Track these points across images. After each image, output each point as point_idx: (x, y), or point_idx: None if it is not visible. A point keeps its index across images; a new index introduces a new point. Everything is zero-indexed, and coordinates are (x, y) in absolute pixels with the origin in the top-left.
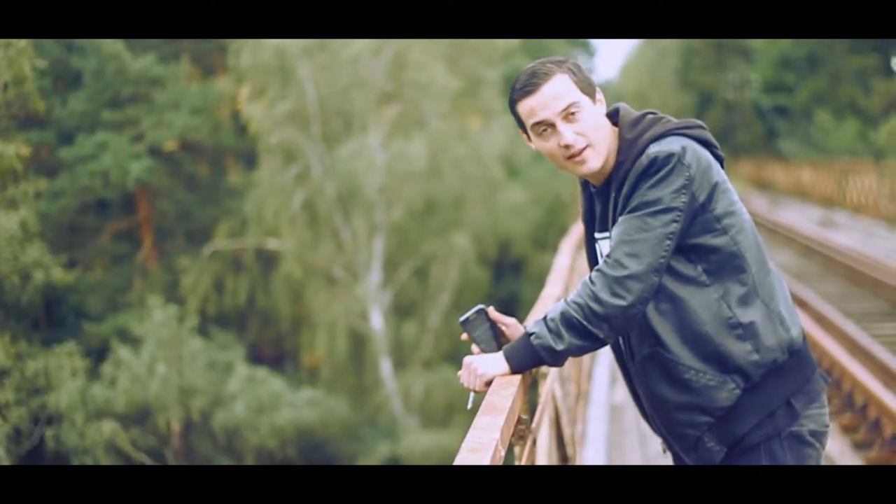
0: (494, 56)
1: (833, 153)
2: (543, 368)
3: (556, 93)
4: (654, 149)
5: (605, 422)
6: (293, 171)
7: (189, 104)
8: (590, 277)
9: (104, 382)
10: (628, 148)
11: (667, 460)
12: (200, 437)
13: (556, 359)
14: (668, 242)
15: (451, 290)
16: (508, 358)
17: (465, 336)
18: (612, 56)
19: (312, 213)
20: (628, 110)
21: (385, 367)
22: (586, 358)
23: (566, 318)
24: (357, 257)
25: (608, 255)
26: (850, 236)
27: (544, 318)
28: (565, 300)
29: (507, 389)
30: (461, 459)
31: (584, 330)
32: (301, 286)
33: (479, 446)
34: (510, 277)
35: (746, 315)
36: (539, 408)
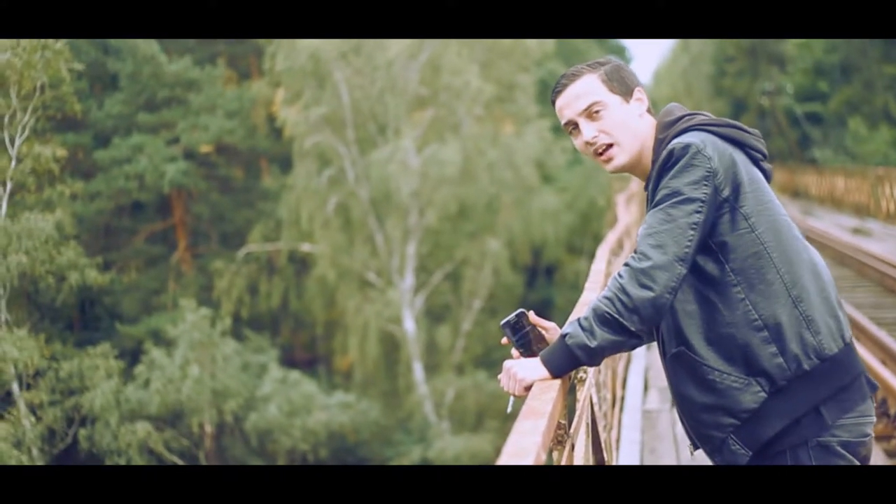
0: (528, 61)
1: (867, 161)
2: (581, 373)
3: (579, 92)
4: (675, 142)
5: (638, 428)
6: (327, 174)
7: (224, 107)
8: (618, 272)
9: (138, 384)
10: (659, 146)
11: (696, 461)
12: (233, 440)
13: (592, 356)
14: (692, 233)
15: (484, 294)
16: (546, 361)
17: (504, 340)
18: (645, 61)
19: (346, 217)
20: (670, 111)
21: (417, 371)
22: (621, 364)
23: (598, 314)
24: (390, 261)
25: (635, 249)
26: (884, 245)
27: (578, 319)
28: (597, 298)
29: (547, 394)
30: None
31: (615, 323)
32: (334, 290)
33: (521, 451)
34: (543, 282)
35: (773, 317)
36: (577, 413)
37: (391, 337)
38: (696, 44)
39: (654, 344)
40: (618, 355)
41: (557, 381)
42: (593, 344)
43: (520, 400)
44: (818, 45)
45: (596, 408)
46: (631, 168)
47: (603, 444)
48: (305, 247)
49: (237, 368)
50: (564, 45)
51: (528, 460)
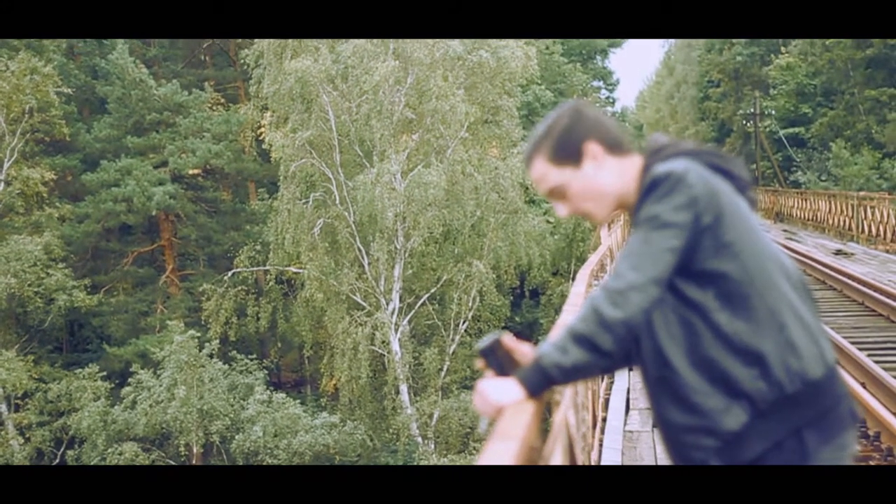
0: (513, 84)
1: (849, 183)
2: (557, 395)
3: (536, 179)
4: (658, 168)
5: (619, 449)
6: (314, 197)
7: (212, 131)
8: (593, 292)
9: (125, 405)
10: (643, 175)
11: None
12: (219, 460)
13: (566, 375)
14: (669, 257)
15: (470, 317)
16: (520, 381)
17: (481, 364)
18: (630, 84)
19: (333, 240)
20: (655, 140)
21: (403, 392)
22: (602, 386)
23: (572, 334)
24: (377, 284)
25: (613, 270)
26: (865, 267)
27: (552, 340)
28: (573, 319)
29: (519, 416)
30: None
31: (587, 342)
32: (321, 312)
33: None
34: (529, 305)
35: (756, 343)
36: (552, 435)
37: (378, 359)
38: (681, 67)
39: (636, 366)
40: (599, 377)
41: (530, 404)
42: (567, 363)
43: (494, 422)
44: (801, 69)
45: (573, 429)
46: (617, 211)
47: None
48: (292, 269)
49: (224, 390)
50: (548, 69)
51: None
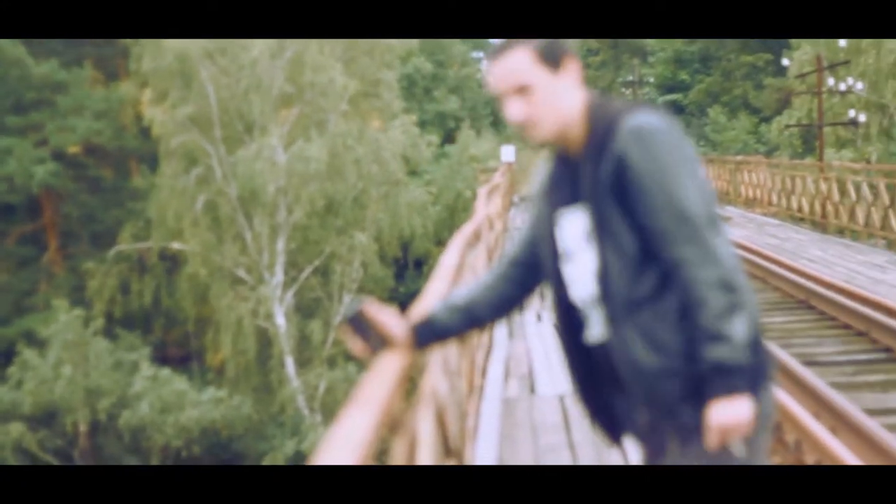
0: (392, 57)
1: (727, 148)
2: (423, 361)
3: (508, 68)
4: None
5: (498, 416)
6: (195, 173)
7: (92, 108)
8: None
9: (10, 385)
10: (596, 120)
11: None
12: (107, 438)
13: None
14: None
15: (354, 288)
16: (737, 393)
17: (347, 332)
18: None
19: (215, 215)
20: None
21: (289, 365)
22: (480, 354)
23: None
24: (260, 258)
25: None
26: (743, 231)
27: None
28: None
29: (379, 382)
30: (327, 458)
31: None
32: (205, 287)
33: (347, 444)
34: (413, 275)
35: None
36: (420, 402)
37: (263, 332)
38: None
39: (519, 334)
40: (476, 344)
41: (394, 366)
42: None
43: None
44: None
45: (445, 397)
46: (554, 141)
47: (452, 435)
48: (175, 245)
49: (110, 367)
50: (428, 41)
51: (353, 454)
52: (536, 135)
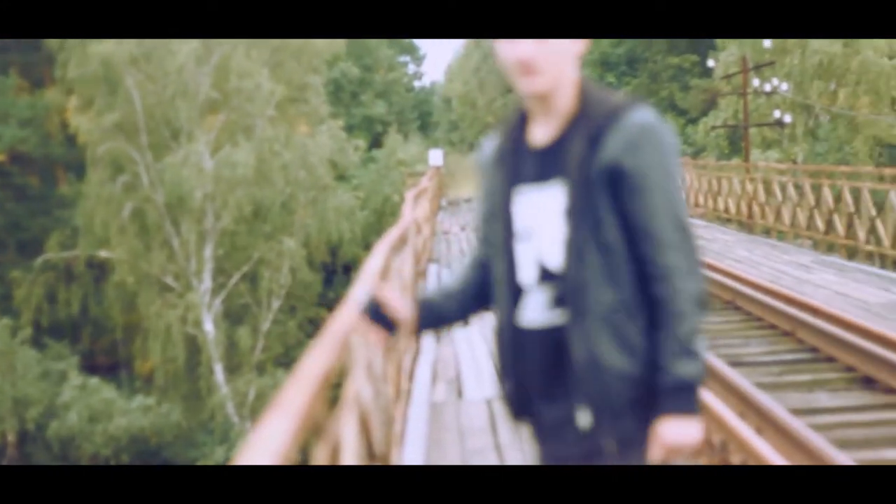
0: (319, 61)
1: None
2: (347, 366)
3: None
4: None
5: (425, 420)
6: (122, 180)
7: (18, 116)
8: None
9: None
10: (589, 100)
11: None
12: (35, 447)
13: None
14: None
15: (282, 294)
16: (683, 414)
17: (366, 321)
18: (438, 59)
19: (142, 222)
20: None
21: (218, 372)
22: (407, 358)
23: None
24: (188, 264)
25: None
26: None
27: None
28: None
29: (300, 387)
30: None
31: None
32: (133, 295)
33: (265, 451)
34: (341, 280)
35: None
36: (343, 407)
37: (191, 339)
38: (488, 41)
39: (446, 338)
40: (403, 348)
41: (316, 371)
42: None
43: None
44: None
45: (370, 402)
46: (540, 97)
47: (377, 440)
48: (103, 253)
49: (38, 376)
50: (355, 44)
51: (271, 461)
52: (532, 82)
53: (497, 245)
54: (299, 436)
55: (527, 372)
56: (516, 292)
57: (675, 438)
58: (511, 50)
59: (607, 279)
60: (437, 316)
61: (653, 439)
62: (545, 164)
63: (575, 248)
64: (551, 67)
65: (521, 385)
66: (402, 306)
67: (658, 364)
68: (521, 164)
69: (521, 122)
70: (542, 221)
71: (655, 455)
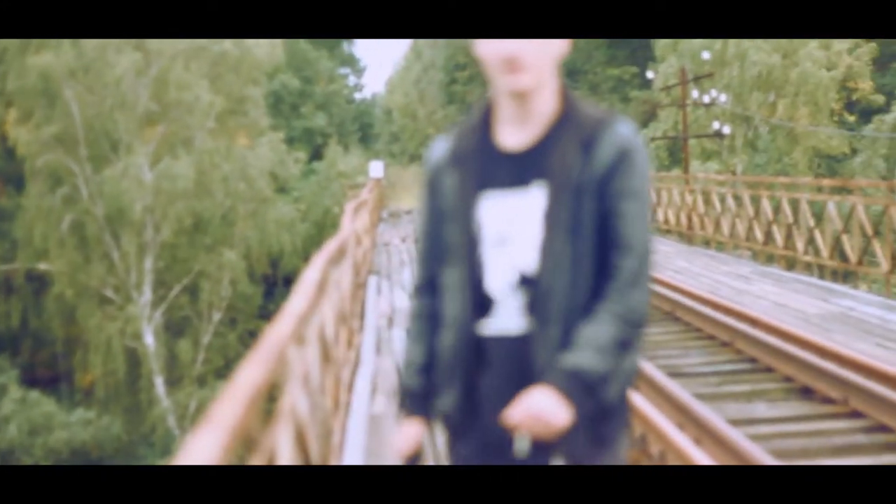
0: (258, 73)
1: None
2: (281, 378)
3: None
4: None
5: (364, 432)
6: (61, 193)
7: None
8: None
9: None
10: (571, 105)
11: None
12: None
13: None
14: None
15: (223, 306)
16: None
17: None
18: (378, 70)
19: (82, 235)
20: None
21: (159, 385)
22: (346, 369)
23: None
24: (128, 277)
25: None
26: None
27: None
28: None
29: (232, 400)
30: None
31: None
32: (73, 307)
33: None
34: (282, 292)
35: None
36: (278, 420)
37: (132, 352)
38: (428, 51)
39: (386, 349)
40: (342, 360)
41: (249, 384)
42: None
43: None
44: None
45: (305, 415)
46: (519, 94)
47: (313, 452)
48: (42, 266)
49: None
50: (295, 56)
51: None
52: (516, 79)
53: (456, 251)
54: (231, 450)
55: (485, 384)
56: (480, 300)
57: (539, 408)
58: (495, 46)
59: (575, 286)
60: (429, 401)
61: (519, 400)
62: (523, 168)
63: (551, 254)
64: (536, 65)
65: (471, 397)
66: (417, 436)
67: (575, 344)
68: (488, 167)
69: (483, 122)
70: (520, 227)
71: (514, 417)
